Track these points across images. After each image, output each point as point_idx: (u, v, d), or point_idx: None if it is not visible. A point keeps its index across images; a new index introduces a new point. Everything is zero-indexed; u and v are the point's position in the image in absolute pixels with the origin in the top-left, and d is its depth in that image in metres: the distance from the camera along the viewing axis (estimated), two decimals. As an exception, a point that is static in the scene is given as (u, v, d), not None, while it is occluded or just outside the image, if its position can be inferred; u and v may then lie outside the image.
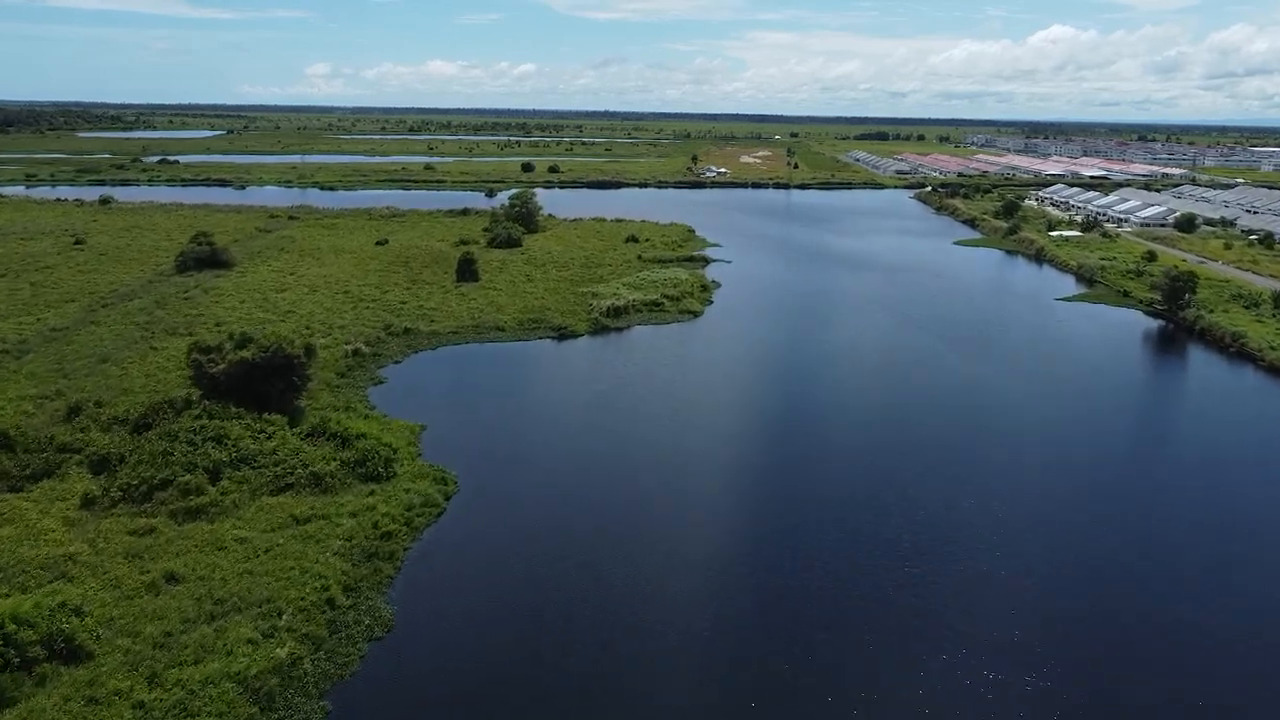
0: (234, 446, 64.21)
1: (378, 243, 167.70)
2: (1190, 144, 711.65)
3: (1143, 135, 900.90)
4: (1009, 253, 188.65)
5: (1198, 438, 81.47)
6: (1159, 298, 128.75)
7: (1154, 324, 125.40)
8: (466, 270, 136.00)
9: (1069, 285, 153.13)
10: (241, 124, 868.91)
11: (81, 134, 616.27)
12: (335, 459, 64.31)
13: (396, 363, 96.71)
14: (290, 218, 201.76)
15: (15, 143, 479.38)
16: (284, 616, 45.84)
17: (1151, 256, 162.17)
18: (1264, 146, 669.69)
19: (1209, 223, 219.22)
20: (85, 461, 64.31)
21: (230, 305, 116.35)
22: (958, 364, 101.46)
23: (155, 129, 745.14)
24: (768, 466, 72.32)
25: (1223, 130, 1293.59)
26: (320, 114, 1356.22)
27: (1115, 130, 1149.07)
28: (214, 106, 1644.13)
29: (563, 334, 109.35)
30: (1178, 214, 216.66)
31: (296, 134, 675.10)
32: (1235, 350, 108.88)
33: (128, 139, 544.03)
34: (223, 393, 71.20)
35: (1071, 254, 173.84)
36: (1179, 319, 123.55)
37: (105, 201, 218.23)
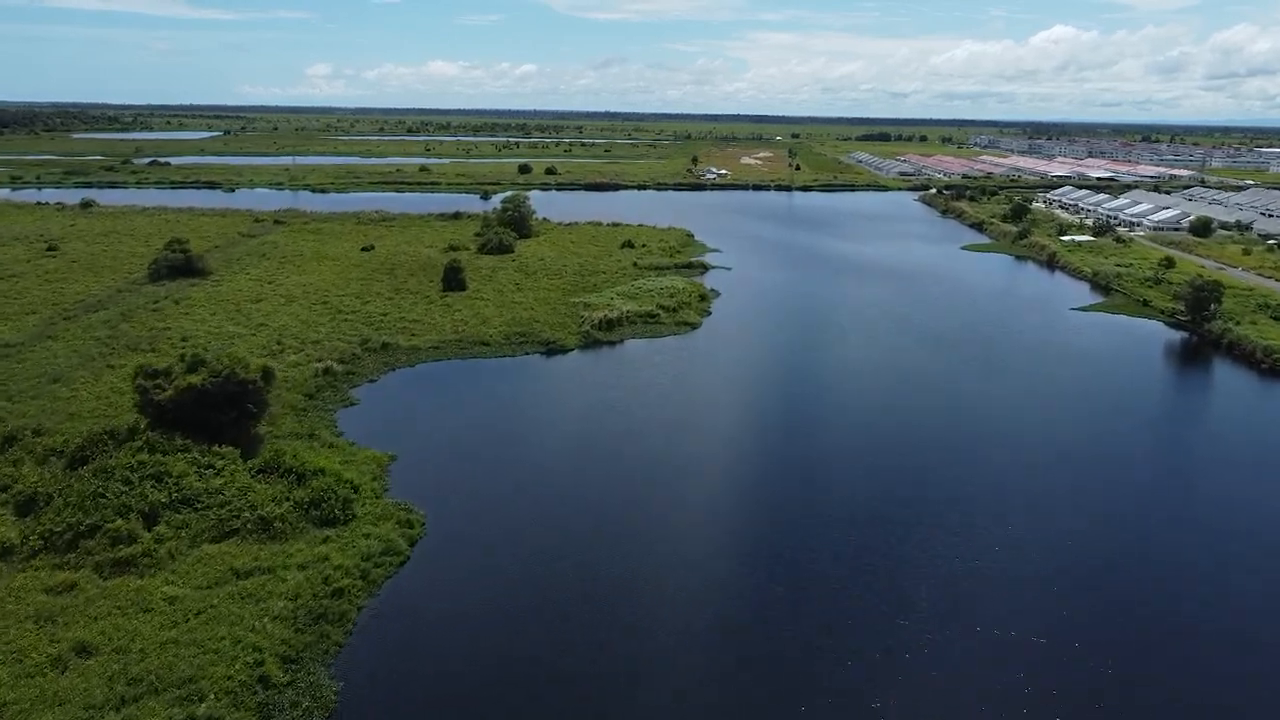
0: (175, 485, 57.67)
1: (363, 249, 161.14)
2: (1195, 144, 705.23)
3: (1146, 136, 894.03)
4: (1019, 258, 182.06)
5: (1237, 465, 74.68)
6: (1182, 308, 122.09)
7: (1177, 336, 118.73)
8: (453, 279, 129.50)
9: (1084, 293, 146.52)
10: (239, 125, 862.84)
11: (76, 135, 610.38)
12: (288, 499, 57.78)
13: (371, 381, 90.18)
14: (276, 222, 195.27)
15: (9, 144, 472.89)
16: (204, 703, 39.27)
17: (1169, 263, 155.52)
18: (1271, 147, 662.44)
19: (1224, 226, 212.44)
20: (11, 502, 57.83)
21: (200, 318, 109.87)
22: (971, 380, 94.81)
23: (153, 130, 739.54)
24: (771, 490, 65.71)
25: (1226, 131, 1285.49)
26: (321, 115, 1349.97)
27: (1118, 131, 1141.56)
28: (214, 107, 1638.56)
29: (551, 349, 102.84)
30: (1192, 217, 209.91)
31: (293, 135, 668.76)
32: (1268, 366, 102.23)
33: (121, 140, 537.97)
34: (170, 422, 64.69)
35: (1085, 260, 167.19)
36: (1204, 331, 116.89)
37: (86, 205, 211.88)
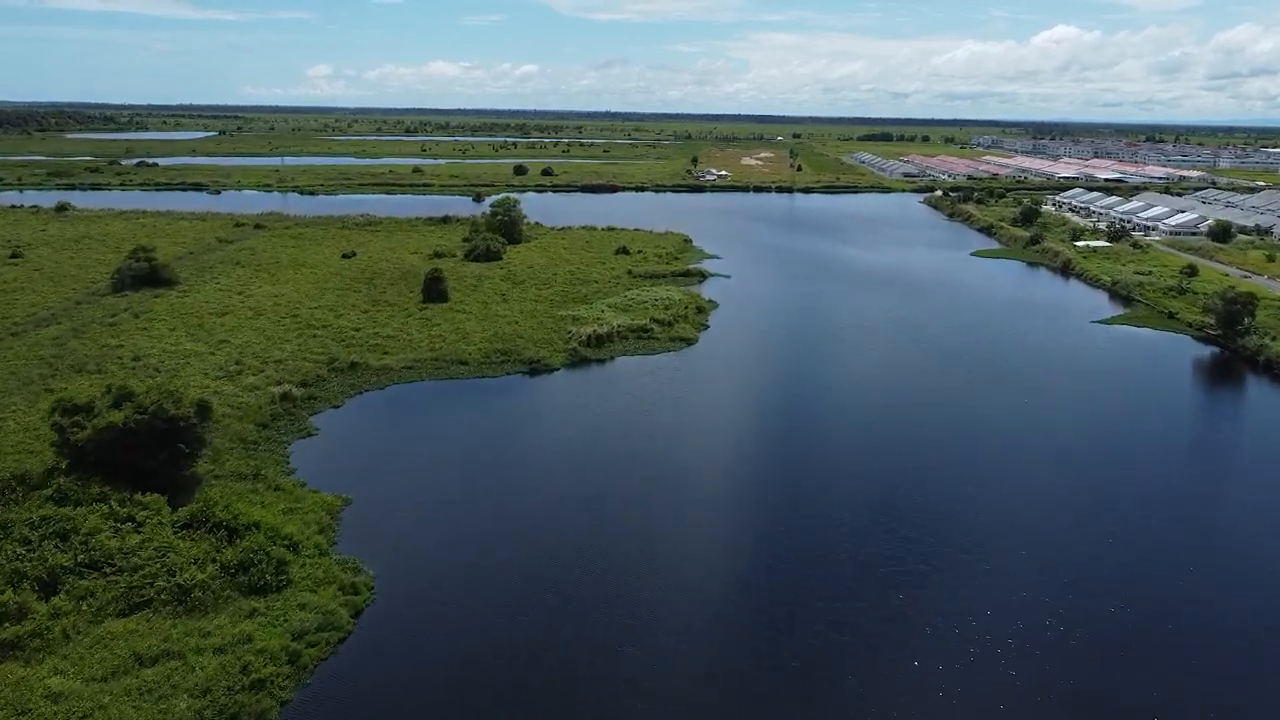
0: (84, 545, 49.80)
1: (344, 255, 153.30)
2: (1199, 144, 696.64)
3: (1150, 136, 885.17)
4: (1031, 265, 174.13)
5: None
6: (1213, 322, 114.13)
7: (1207, 351, 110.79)
8: (434, 290, 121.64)
9: (1102, 303, 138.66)
10: (236, 125, 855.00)
11: (70, 135, 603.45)
12: (214, 560, 49.87)
13: (335, 407, 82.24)
14: (257, 226, 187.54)
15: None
16: None
17: (1192, 271, 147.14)
18: (1277, 148, 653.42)
19: (1243, 231, 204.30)
20: (-105, 563, 49.90)
21: (158, 334, 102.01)
22: (993, 403, 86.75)
23: (149, 130, 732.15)
24: (773, 541, 57.68)
25: (1229, 131, 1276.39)
26: (321, 115, 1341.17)
27: (1120, 131, 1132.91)
28: (215, 108, 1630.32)
29: (535, 368, 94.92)
30: (1210, 222, 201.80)
31: (290, 135, 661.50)
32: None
33: (113, 141, 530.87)
34: (90, 464, 56.92)
35: (1102, 267, 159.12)
36: (1237, 347, 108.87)
37: (61, 208, 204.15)
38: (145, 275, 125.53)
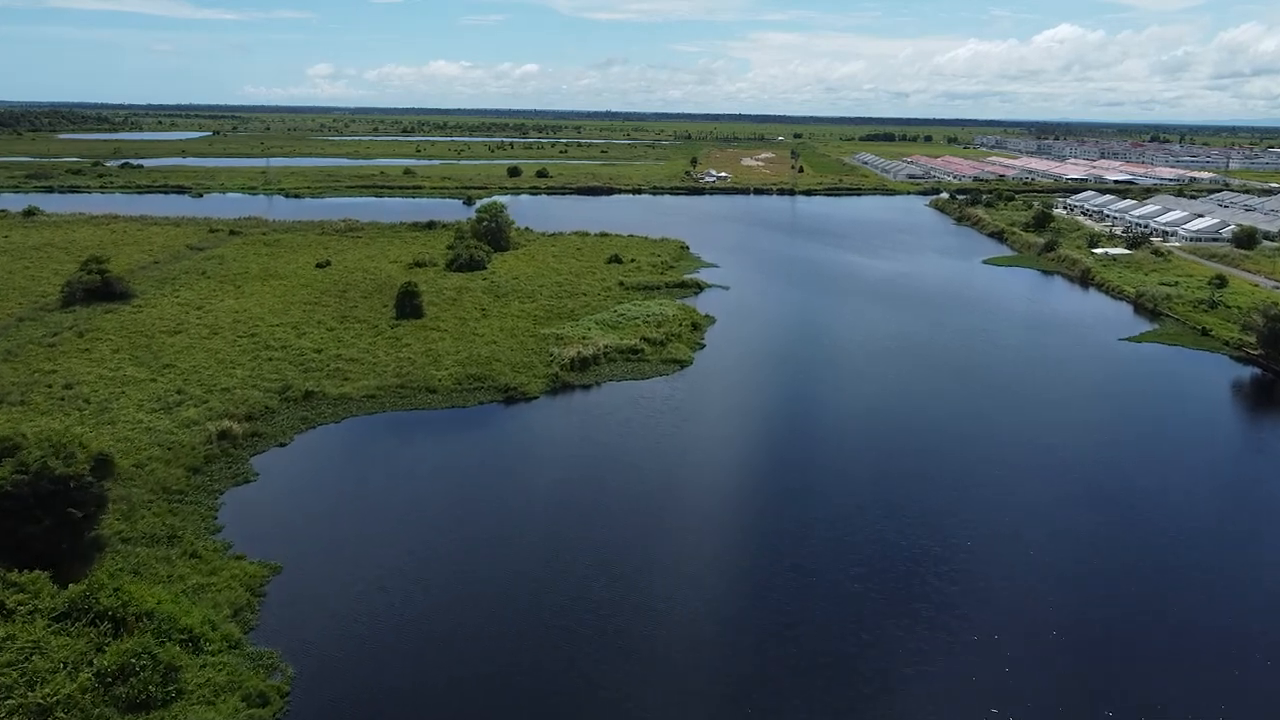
0: (-70, 645, 40.67)
1: (318, 265, 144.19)
2: (1205, 144, 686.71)
3: (1154, 135, 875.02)
4: (1046, 273, 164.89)
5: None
6: (1253, 340, 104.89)
7: (1247, 373, 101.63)
8: (407, 305, 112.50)
9: (1127, 317, 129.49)
10: (232, 125, 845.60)
11: (62, 136, 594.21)
12: (89, 664, 40.69)
13: (281, 445, 73.07)
14: (231, 232, 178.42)
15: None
16: None
17: (1221, 281, 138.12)
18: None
19: (1267, 236, 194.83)
20: None
21: (99, 356, 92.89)
22: (1017, 443, 77.59)
23: (143, 130, 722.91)
24: (772, 622, 48.59)
25: (1232, 130, 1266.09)
26: (320, 115, 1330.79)
27: (1123, 130, 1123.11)
28: (215, 108, 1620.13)
29: (511, 396, 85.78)
30: (1232, 227, 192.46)
31: (285, 135, 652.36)
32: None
33: (103, 141, 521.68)
34: (-40, 534, 47.76)
35: (1124, 277, 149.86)
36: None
37: (29, 213, 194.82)
38: (97, 289, 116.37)
